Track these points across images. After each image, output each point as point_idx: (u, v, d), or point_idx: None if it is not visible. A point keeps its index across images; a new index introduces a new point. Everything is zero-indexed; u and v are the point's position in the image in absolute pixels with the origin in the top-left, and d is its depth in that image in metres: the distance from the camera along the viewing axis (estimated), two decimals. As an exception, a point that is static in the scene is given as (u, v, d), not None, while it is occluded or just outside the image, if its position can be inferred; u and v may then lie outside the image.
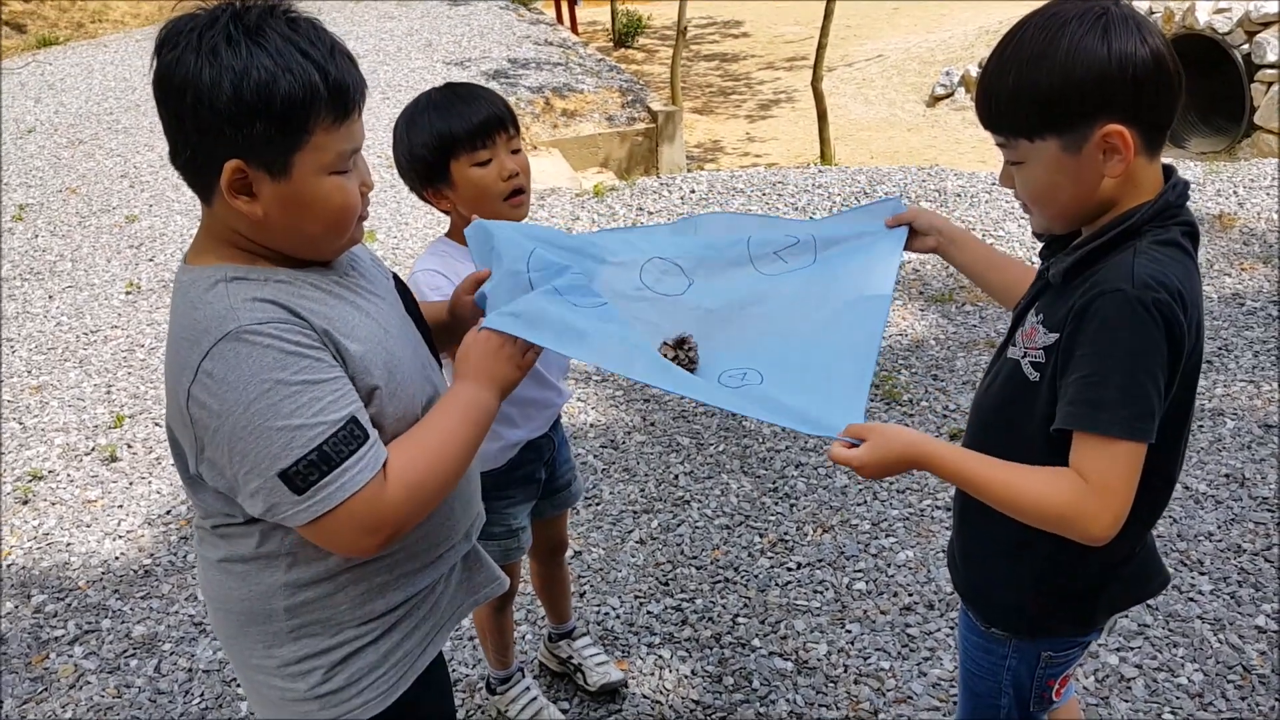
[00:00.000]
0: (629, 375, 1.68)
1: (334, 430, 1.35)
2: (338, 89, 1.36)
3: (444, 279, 2.08)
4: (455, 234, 2.21)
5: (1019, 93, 1.47)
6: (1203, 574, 3.14)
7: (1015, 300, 1.90)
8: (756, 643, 3.00)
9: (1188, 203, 1.54)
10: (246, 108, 1.30)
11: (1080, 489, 1.46)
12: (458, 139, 2.06)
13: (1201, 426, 3.87)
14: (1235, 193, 6.01)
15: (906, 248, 1.96)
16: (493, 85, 9.29)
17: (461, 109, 2.07)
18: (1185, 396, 1.56)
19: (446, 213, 2.21)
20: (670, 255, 1.96)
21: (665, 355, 1.78)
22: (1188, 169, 6.43)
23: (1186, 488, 3.52)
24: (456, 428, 1.50)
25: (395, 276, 1.72)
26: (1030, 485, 1.50)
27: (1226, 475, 3.59)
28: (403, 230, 6.33)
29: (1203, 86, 8.20)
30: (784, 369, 1.79)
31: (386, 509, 1.40)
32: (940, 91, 11.73)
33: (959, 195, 6.25)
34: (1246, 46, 8.73)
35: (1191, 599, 3.04)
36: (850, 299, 1.88)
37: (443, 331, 1.82)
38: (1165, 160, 1.58)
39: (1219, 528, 3.33)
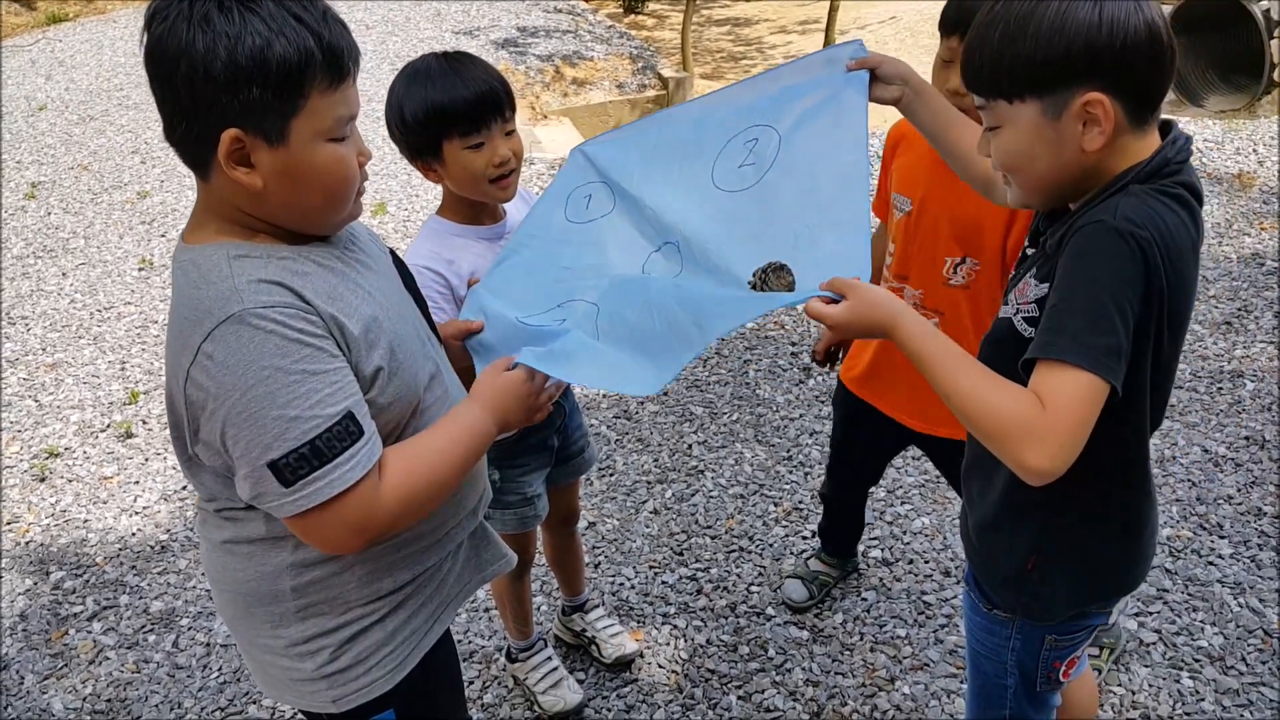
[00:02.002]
0: (663, 383, 1.66)
1: (329, 425, 1.34)
2: (332, 53, 1.34)
3: (434, 278, 2.06)
4: (446, 209, 2.19)
5: (1003, 52, 1.42)
6: (1222, 537, 3.11)
7: (974, 166, 1.82)
8: (771, 611, 2.99)
9: (1190, 159, 1.48)
10: (242, 74, 1.28)
11: (1034, 410, 1.35)
12: (451, 120, 2.02)
13: (1220, 389, 3.83)
14: (1255, 151, 5.93)
15: (870, 97, 1.86)
16: (502, 54, 9.24)
17: (459, 88, 2.01)
18: (1172, 361, 1.51)
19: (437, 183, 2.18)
20: (663, 238, 1.93)
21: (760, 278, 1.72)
22: (1206, 127, 6.34)
23: (1206, 451, 3.49)
24: (456, 447, 1.51)
25: (392, 252, 1.70)
26: (985, 388, 1.40)
27: (1246, 438, 3.55)
28: (414, 203, 6.31)
29: (1222, 44, 8.08)
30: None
31: (375, 511, 1.40)
32: (955, 52, 11.57)
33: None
34: (1266, 3, 8.58)
35: (1211, 563, 3.01)
36: (825, 171, 1.82)
37: None
38: (1179, 117, 1.53)
39: (1239, 491, 3.30)
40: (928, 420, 2.49)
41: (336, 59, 1.35)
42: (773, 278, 1.69)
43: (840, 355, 2.70)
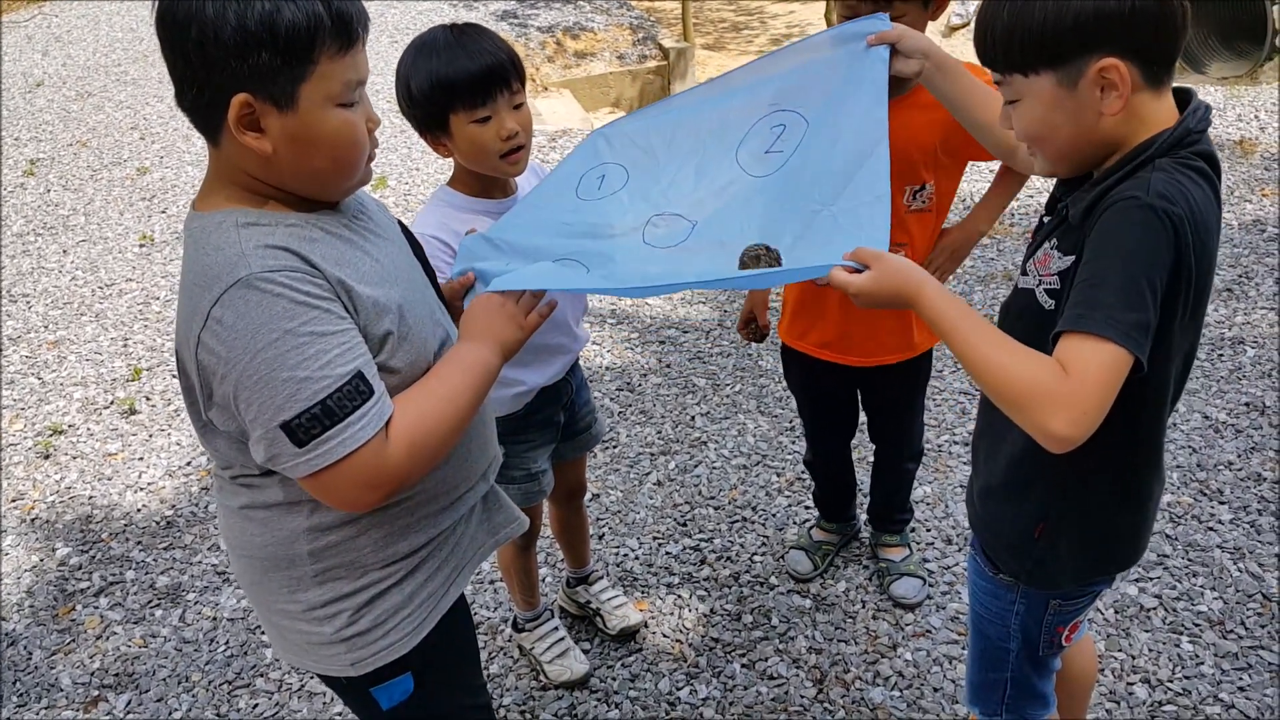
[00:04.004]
0: (635, 288, 1.65)
1: (339, 384, 1.35)
2: (341, 18, 1.35)
3: (442, 247, 2.05)
4: (457, 182, 2.18)
5: (1014, 27, 1.42)
6: (1222, 503, 3.12)
7: (996, 140, 1.83)
8: (775, 580, 3.01)
9: (1209, 129, 1.49)
10: (251, 38, 1.29)
11: (1056, 377, 1.36)
12: (457, 93, 2.00)
13: (1221, 355, 3.84)
14: (1257, 117, 5.91)
15: (890, 70, 1.84)
16: (502, 26, 9.19)
17: (464, 60, 1.99)
18: (1192, 333, 1.52)
19: (447, 157, 2.17)
20: (669, 208, 1.92)
21: (752, 258, 1.72)
22: (1208, 94, 6.31)
23: (1206, 417, 3.50)
24: (458, 386, 1.50)
25: (400, 223, 1.70)
26: (1007, 355, 1.41)
27: (1247, 404, 3.56)
28: (414, 176, 6.29)
29: (1223, 9, 8.04)
30: (793, 259, 1.76)
31: (387, 466, 1.40)
32: (956, 21, 11.49)
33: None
34: (1269, -33, 8.51)
35: (1211, 528, 3.03)
36: (847, 160, 1.80)
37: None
38: (1185, 85, 1.53)
39: (1239, 456, 3.31)
40: (851, 354, 2.59)
41: (345, 24, 1.36)
42: (763, 259, 1.69)
43: (762, 328, 2.78)
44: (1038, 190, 5.12)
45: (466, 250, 1.84)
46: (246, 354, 1.32)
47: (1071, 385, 1.35)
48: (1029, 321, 1.58)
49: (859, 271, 1.52)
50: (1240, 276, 4.36)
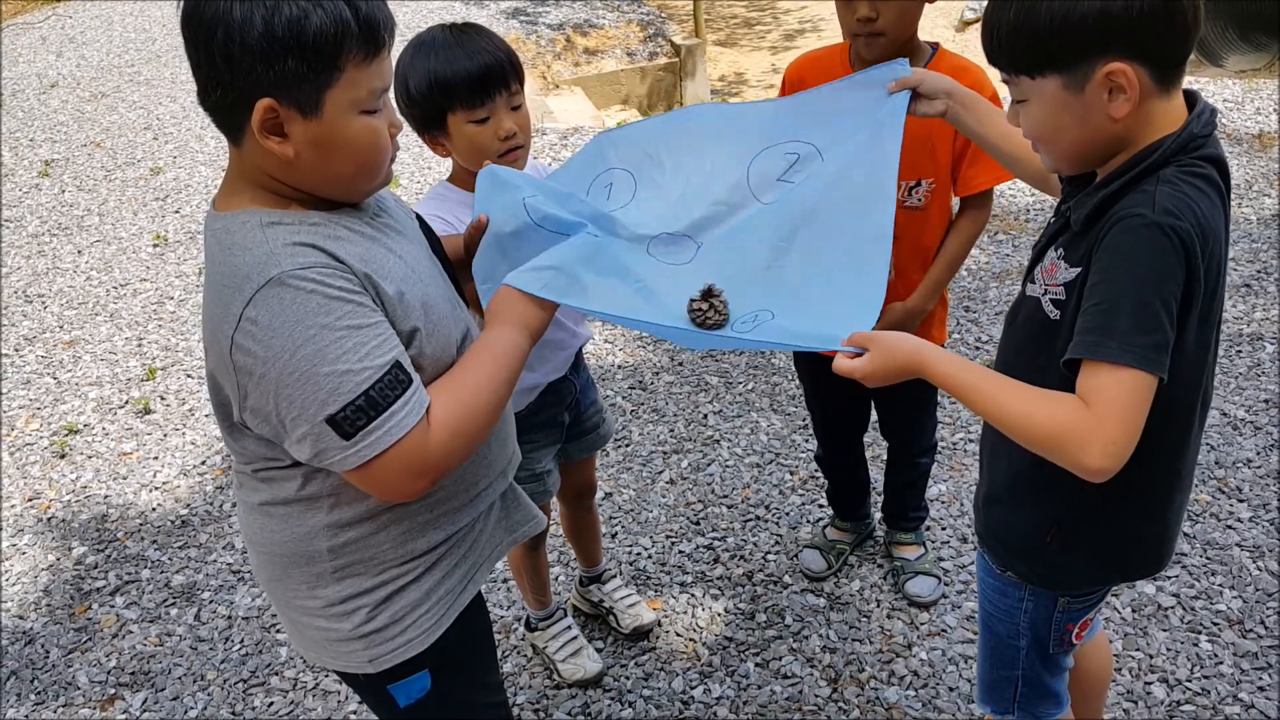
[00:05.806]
0: (652, 328, 1.66)
1: (380, 375, 1.35)
2: (368, 24, 1.35)
3: (443, 222, 2.04)
4: (456, 179, 2.18)
5: (1019, 28, 1.41)
6: (1241, 501, 3.10)
7: (1028, 170, 1.83)
8: (788, 579, 3.00)
9: (1215, 131, 1.47)
10: (278, 44, 1.29)
11: (1079, 413, 1.38)
12: (455, 93, 1.99)
13: (1240, 351, 3.81)
14: (1275, 111, 5.86)
15: (913, 112, 1.86)
16: (512, 24, 9.19)
17: (462, 60, 1.98)
18: (1206, 337, 1.50)
19: (446, 157, 2.16)
20: (676, 228, 1.91)
21: (696, 308, 1.74)
22: (1226, 87, 6.26)
23: (1224, 414, 3.47)
24: (490, 369, 1.50)
25: (418, 217, 1.70)
26: (1026, 403, 1.43)
27: (1266, 400, 3.53)
28: (425, 175, 6.30)
29: (1241, 3, 7.99)
30: (795, 299, 1.76)
31: (431, 453, 1.41)
32: (970, 16, 11.43)
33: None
34: (1286, -41, 8.43)
35: (1230, 526, 3.00)
36: (854, 195, 1.82)
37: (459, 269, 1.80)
38: (1191, 85, 1.51)
39: (1258, 454, 3.28)
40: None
41: (372, 31, 1.35)
42: (711, 309, 1.72)
43: None
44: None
45: (485, 179, 1.78)
46: (285, 352, 1.32)
47: (1096, 418, 1.36)
48: (1034, 329, 1.58)
49: (860, 355, 1.56)
50: (1259, 272, 4.33)
